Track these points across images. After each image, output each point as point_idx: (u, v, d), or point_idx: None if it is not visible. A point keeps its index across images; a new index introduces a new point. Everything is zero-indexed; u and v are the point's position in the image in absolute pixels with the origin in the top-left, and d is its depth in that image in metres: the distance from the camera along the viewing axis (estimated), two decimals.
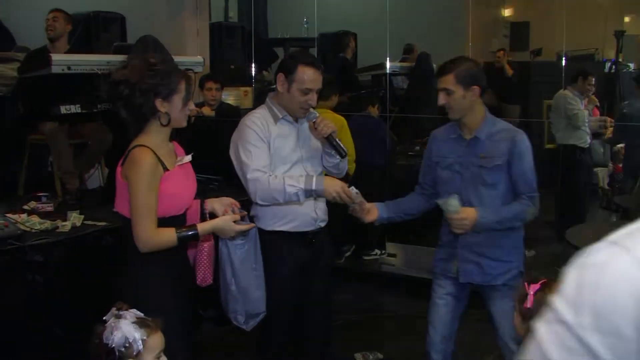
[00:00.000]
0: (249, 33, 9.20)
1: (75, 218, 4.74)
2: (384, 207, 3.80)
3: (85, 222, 4.77)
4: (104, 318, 2.45)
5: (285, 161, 3.69)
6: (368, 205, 3.67)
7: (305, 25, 11.11)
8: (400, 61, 9.97)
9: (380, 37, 8.14)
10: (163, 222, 3.08)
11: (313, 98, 3.64)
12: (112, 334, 2.38)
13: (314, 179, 3.49)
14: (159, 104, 3.06)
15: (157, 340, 2.47)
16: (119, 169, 3.12)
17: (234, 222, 3.24)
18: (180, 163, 3.21)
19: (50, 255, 4.33)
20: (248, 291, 3.42)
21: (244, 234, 3.34)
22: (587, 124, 7.65)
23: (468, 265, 3.70)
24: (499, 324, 3.71)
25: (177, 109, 3.11)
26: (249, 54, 8.98)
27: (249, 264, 3.41)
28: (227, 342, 5.33)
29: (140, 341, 2.38)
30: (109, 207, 5.20)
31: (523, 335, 2.55)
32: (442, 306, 3.84)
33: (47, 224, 4.63)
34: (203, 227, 3.17)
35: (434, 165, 3.78)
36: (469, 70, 3.59)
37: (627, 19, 10.84)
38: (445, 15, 11.24)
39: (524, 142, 3.61)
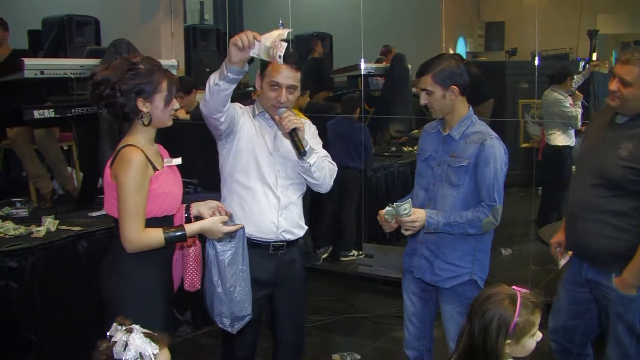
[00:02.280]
0: (224, 35, 9.18)
1: (50, 223, 4.72)
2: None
3: (60, 227, 4.74)
4: (108, 333, 2.40)
5: (255, 161, 3.61)
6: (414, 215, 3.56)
7: (281, 27, 11.09)
8: (376, 62, 10.00)
9: (355, 38, 8.15)
10: (156, 221, 3.08)
11: (281, 94, 3.52)
12: (124, 349, 2.33)
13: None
14: (141, 103, 3.05)
15: (166, 356, 2.43)
16: (108, 170, 3.09)
17: (222, 223, 3.23)
18: (168, 164, 3.20)
19: (25, 261, 4.31)
20: (234, 293, 3.38)
21: (231, 235, 3.32)
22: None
23: (422, 261, 3.72)
24: (444, 326, 3.75)
25: (159, 108, 3.09)
26: (224, 56, 8.95)
27: (236, 265, 3.36)
28: (202, 345, 5.33)
29: (152, 356, 2.33)
30: (84, 211, 5.24)
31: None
32: (410, 305, 3.88)
33: (22, 230, 4.61)
34: (191, 227, 3.14)
35: (417, 155, 3.84)
36: (446, 69, 3.54)
37: (600, 18, 10.93)
38: (419, 16, 11.31)
39: (493, 147, 3.52)
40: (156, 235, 3.05)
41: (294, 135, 3.46)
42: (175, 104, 3.18)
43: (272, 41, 3.18)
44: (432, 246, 3.67)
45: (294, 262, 3.79)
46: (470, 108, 3.70)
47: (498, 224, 3.58)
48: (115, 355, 2.31)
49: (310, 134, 3.78)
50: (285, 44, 3.16)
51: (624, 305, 3.40)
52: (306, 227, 3.84)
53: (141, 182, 3.00)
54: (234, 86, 3.34)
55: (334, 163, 3.80)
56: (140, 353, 2.29)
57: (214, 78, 3.32)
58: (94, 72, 3.12)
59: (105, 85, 3.02)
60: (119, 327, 2.36)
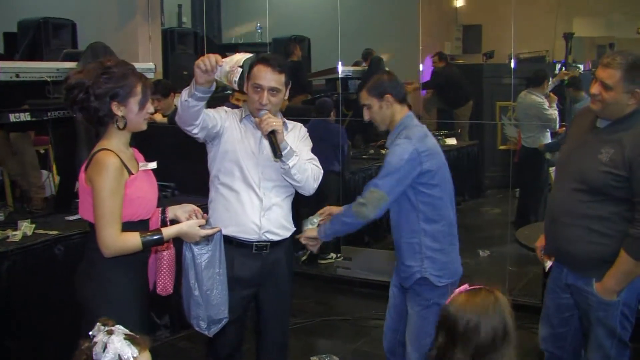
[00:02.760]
0: (202, 38, 9.16)
1: (26, 227, 4.69)
2: None
3: (36, 231, 4.71)
4: (90, 333, 2.39)
5: (240, 162, 3.66)
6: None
7: (259, 30, 11.12)
8: (354, 65, 10.01)
9: (333, 41, 8.16)
10: (132, 225, 3.07)
11: (263, 96, 3.55)
12: (103, 350, 2.33)
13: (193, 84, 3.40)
14: (115, 107, 3.02)
15: (146, 358, 2.43)
16: (82, 175, 3.08)
17: (199, 226, 3.24)
18: (144, 168, 3.19)
19: (1, 265, 4.27)
20: (210, 297, 3.38)
21: (208, 238, 3.33)
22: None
23: (397, 265, 3.92)
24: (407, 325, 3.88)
25: (134, 112, 3.08)
26: None
27: (212, 268, 3.37)
28: (180, 349, 5.31)
29: (131, 359, 2.34)
30: (61, 215, 5.21)
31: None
32: (392, 296, 4.03)
33: None
34: (168, 231, 3.14)
35: None
36: (377, 82, 3.77)
37: (575, 22, 11.01)
38: (397, 19, 11.33)
39: (397, 146, 3.67)
40: (133, 240, 3.04)
41: (272, 137, 3.51)
42: (150, 108, 3.17)
43: (231, 66, 3.30)
44: (396, 251, 3.87)
45: (279, 263, 3.82)
46: (407, 115, 3.80)
47: (373, 207, 3.63)
48: (94, 356, 2.30)
49: (299, 137, 3.87)
50: (240, 70, 3.27)
51: (605, 310, 3.41)
52: (293, 229, 3.89)
53: (116, 186, 2.98)
54: (202, 103, 3.43)
55: (320, 167, 3.84)
56: (119, 355, 2.29)
57: (184, 94, 3.39)
58: (68, 76, 3.11)
59: (80, 89, 3.00)
60: (102, 327, 2.35)
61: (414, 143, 3.63)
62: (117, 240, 3.00)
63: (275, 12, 9.60)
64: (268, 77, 3.57)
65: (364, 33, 11.19)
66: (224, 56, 3.37)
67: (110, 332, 2.32)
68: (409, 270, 3.75)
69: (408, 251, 3.75)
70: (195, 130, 3.54)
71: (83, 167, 3.09)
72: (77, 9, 8.33)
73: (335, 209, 3.89)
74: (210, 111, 3.63)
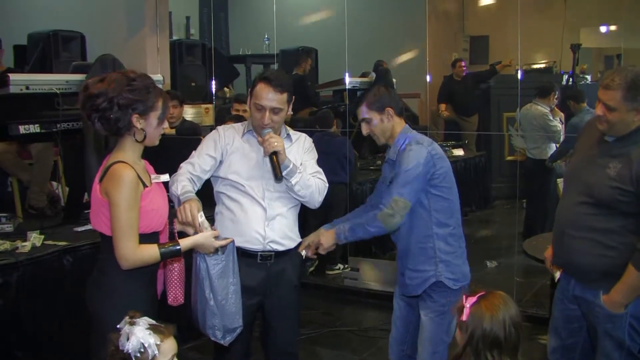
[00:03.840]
0: (210, 50, 9.21)
1: (35, 238, 4.71)
2: (342, 223, 3.91)
3: (45, 242, 4.73)
4: (118, 326, 2.49)
5: (243, 176, 3.70)
6: (313, 239, 3.84)
7: (266, 42, 11.16)
8: (361, 76, 10.04)
9: (340, 53, 8.19)
10: (145, 237, 3.08)
11: (265, 116, 3.61)
12: (127, 340, 2.42)
13: (181, 190, 3.51)
14: (136, 119, 3.04)
15: (171, 344, 2.52)
16: (97, 186, 3.08)
17: (214, 237, 3.28)
18: (156, 181, 3.21)
19: (10, 277, 4.29)
20: (226, 306, 3.40)
21: (221, 249, 3.36)
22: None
23: (399, 277, 3.91)
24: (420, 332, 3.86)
25: (153, 126, 3.10)
26: (209, 71, 8.99)
27: (226, 278, 3.39)
28: (189, 359, 5.32)
29: (154, 346, 2.42)
30: (70, 226, 5.24)
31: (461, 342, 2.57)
32: (397, 309, 4.02)
33: (7, 245, 4.59)
34: (184, 242, 3.18)
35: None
36: (377, 95, 3.79)
37: (583, 33, 11.02)
38: (404, 30, 11.36)
39: (410, 151, 3.67)
40: (152, 251, 3.06)
41: (273, 159, 3.59)
42: (166, 124, 3.21)
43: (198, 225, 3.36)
44: (401, 259, 3.85)
45: (284, 273, 3.84)
46: (405, 126, 3.85)
47: (400, 216, 3.65)
48: (120, 346, 2.43)
49: (303, 148, 3.92)
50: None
51: (612, 323, 3.39)
52: (299, 240, 3.90)
53: (134, 199, 3.00)
54: None
55: (325, 180, 3.87)
56: (142, 343, 2.37)
57: (173, 197, 3.55)
58: (87, 84, 3.11)
59: (103, 98, 3.00)
60: (127, 318, 2.49)
61: (426, 147, 3.67)
62: (135, 252, 3.02)
63: (283, 24, 9.63)
64: (270, 97, 3.61)
65: (371, 44, 11.22)
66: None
67: (132, 323, 2.43)
68: (422, 275, 3.74)
69: (421, 256, 3.75)
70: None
71: (97, 179, 3.11)
72: (86, 22, 8.39)
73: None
74: (203, 159, 3.72)
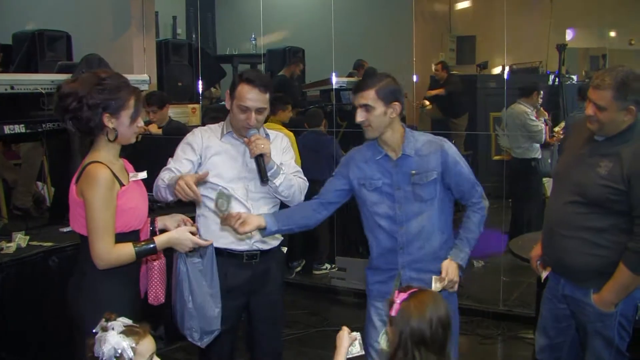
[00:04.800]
0: (196, 50, 9.18)
1: (20, 239, 4.68)
2: (272, 219, 3.56)
3: (30, 243, 4.70)
4: (94, 331, 2.47)
5: (226, 177, 3.71)
6: (244, 215, 3.45)
7: (253, 42, 11.15)
8: (348, 76, 10.04)
9: (327, 52, 8.19)
10: (124, 236, 3.08)
11: (251, 117, 3.61)
12: (101, 347, 2.39)
13: (169, 179, 3.52)
14: (107, 119, 3.03)
15: (148, 344, 2.50)
16: (73, 187, 3.08)
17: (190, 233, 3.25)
18: (134, 179, 3.19)
19: None
20: (204, 309, 3.40)
21: (200, 253, 3.35)
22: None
23: (412, 283, 3.41)
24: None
25: (125, 125, 3.09)
26: (196, 71, 8.97)
27: (206, 281, 3.39)
28: None
29: (129, 349, 2.40)
30: (56, 227, 5.21)
31: (391, 342, 2.57)
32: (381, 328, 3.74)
33: None
34: (160, 239, 3.16)
35: (358, 187, 3.63)
36: (389, 85, 3.48)
37: (569, 33, 11.06)
38: (391, 30, 11.36)
39: (452, 147, 3.57)
40: (127, 250, 3.05)
41: (259, 161, 3.59)
42: (141, 122, 3.19)
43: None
44: (418, 265, 3.56)
45: (270, 271, 3.86)
46: (406, 129, 3.63)
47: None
48: (95, 353, 2.42)
49: (281, 148, 3.89)
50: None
51: (602, 321, 3.42)
52: (281, 238, 3.91)
53: (109, 198, 2.99)
54: None
55: (305, 178, 3.86)
56: (114, 349, 2.37)
57: (161, 182, 3.60)
58: (61, 84, 3.11)
59: (73, 98, 3.00)
60: (102, 322, 2.46)
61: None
62: (111, 252, 3.01)
63: (270, 24, 9.62)
64: (254, 97, 3.62)
65: (358, 44, 11.24)
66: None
67: (105, 329, 2.40)
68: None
69: (439, 259, 3.54)
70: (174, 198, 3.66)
71: (74, 180, 3.10)
72: (71, 21, 8.34)
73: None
74: (181, 164, 3.71)
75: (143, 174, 3.26)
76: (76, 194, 3.06)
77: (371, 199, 3.59)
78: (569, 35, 10.90)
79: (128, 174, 3.20)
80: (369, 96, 3.43)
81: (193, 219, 3.62)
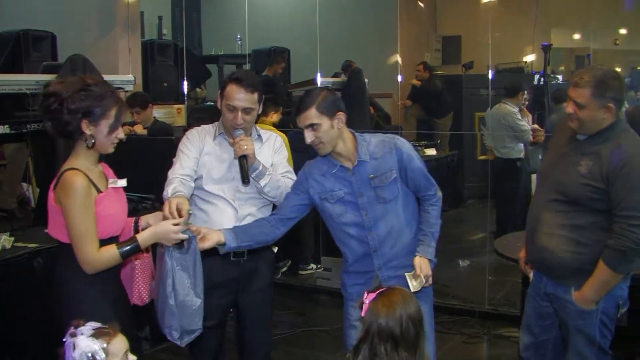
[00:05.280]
0: (182, 50, 9.17)
1: (5, 240, 4.66)
2: (232, 235, 3.52)
3: (15, 244, 4.68)
4: (63, 339, 2.45)
5: (215, 178, 3.74)
6: (204, 230, 3.44)
7: (239, 42, 11.14)
8: (333, 76, 10.05)
9: (312, 52, 8.20)
10: (102, 243, 3.07)
11: (237, 117, 3.63)
12: (71, 353, 2.39)
13: (172, 191, 3.53)
14: (85, 125, 3.02)
15: (119, 343, 2.48)
16: (51, 194, 3.07)
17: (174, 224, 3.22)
18: (113, 186, 3.19)
19: None
20: (185, 307, 3.38)
21: (185, 246, 3.34)
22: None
23: (391, 282, 3.53)
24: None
25: (103, 134, 3.07)
26: (181, 71, 8.96)
27: (189, 279, 3.38)
28: None
29: (101, 351, 2.38)
30: (41, 228, 5.19)
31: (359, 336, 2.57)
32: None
33: None
34: (142, 236, 3.15)
35: (320, 201, 3.63)
36: (327, 98, 3.45)
37: (554, 33, 11.11)
38: (376, 30, 11.37)
39: (405, 144, 3.60)
40: (112, 252, 3.06)
41: (242, 162, 3.60)
42: (121, 134, 3.17)
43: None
44: (395, 262, 3.59)
45: (258, 271, 3.87)
46: (357, 132, 3.63)
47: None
48: (66, 359, 2.39)
49: (274, 148, 3.91)
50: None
51: (583, 319, 3.45)
52: None
53: (87, 205, 2.99)
54: None
55: (294, 179, 3.85)
56: (85, 353, 2.36)
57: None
58: (49, 83, 3.12)
59: (55, 99, 3.00)
60: (70, 330, 2.44)
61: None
62: (96, 257, 3.01)
63: (255, 24, 9.60)
64: (241, 97, 3.63)
65: (343, 44, 11.24)
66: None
67: (74, 335, 2.39)
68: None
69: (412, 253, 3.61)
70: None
71: (51, 186, 3.08)
72: (57, 21, 8.31)
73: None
74: (190, 162, 3.72)
75: (122, 182, 3.25)
76: (54, 201, 3.05)
77: (336, 211, 3.60)
78: (554, 35, 10.96)
79: (107, 180, 3.19)
80: (311, 115, 3.41)
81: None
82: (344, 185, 3.55)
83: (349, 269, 3.70)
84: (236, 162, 3.71)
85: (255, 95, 3.67)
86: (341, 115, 3.46)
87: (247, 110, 3.66)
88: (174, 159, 3.77)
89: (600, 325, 3.45)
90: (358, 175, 3.53)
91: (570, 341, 3.55)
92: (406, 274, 3.45)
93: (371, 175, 3.52)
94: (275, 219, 3.68)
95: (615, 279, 3.36)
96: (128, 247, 3.09)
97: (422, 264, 3.51)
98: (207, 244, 3.39)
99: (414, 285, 3.42)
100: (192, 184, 3.69)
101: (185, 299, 3.36)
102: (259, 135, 3.87)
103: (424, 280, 3.47)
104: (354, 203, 3.54)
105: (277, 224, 3.67)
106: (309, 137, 3.45)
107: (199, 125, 3.97)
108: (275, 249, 4.02)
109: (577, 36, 11.54)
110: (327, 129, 3.42)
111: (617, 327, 3.56)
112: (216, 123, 3.88)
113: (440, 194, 3.69)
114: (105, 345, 2.41)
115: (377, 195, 3.53)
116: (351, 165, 3.54)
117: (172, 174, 3.68)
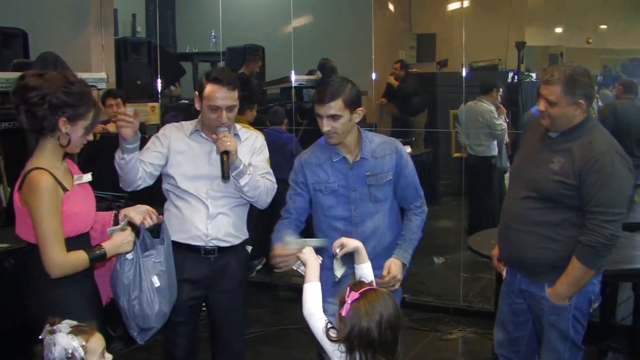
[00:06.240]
0: (155, 48, 9.12)
1: None
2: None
3: None
4: (40, 337, 2.43)
5: (189, 175, 3.76)
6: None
7: (213, 40, 11.11)
8: (307, 74, 10.04)
9: (287, 50, 8.19)
10: (71, 241, 3.04)
11: (222, 116, 3.63)
12: (51, 350, 2.37)
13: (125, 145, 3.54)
14: (62, 123, 2.99)
15: (97, 341, 2.49)
16: (16, 195, 3.03)
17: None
18: (79, 182, 3.16)
19: None
20: (135, 308, 3.35)
21: (154, 246, 3.38)
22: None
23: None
24: None
25: (78, 134, 3.06)
26: (155, 69, 8.91)
27: (139, 282, 3.33)
28: None
29: (80, 348, 2.38)
30: (12, 228, 5.13)
31: (338, 336, 2.57)
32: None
33: None
34: (108, 245, 3.15)
35: (313, 191, 3.69)
36: (353, 92, 3.51)
37: (527, 31, 11.17)
38: (350, 27, 11.37)
39: (405, 150, 3.69)
40: (81, 257, 3.05)
41: (223, 158, 3.60)
42: (90, 136, 3.17)
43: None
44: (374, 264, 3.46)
45: (229, 267, 3.88)
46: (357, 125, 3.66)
47: None
48: (45, 357, 2.40)
49: (253, 148, 3.92)
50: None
51: (557, 315, 3.49)
52: (244, 237, 3.95)
53: (54, 206, 2.96)
54: (136, 152, 3.58)
55: (274, 180, 3.89)
56: (65, 350, 2.36)
57: (117, 156, 3.56)
58: (25, 74, 3.06)
59: (36, 93, 2.95)
60: (47, 327, 2.44)
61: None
62: (65, 259, 2.99)
63: (230, 22, 9.58)
64: (224, 96, 3.64)
65: (317, 42, 11.22)
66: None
67: (52, 332, 2.38)
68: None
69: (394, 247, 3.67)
70: (141, 183, 3.72)
71: (16, 187, 3.05)
72: (28, 19, 8.22)
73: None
74: (151, 155, 3.74)
75: (88, 176, 3.23)
76: (20, 202, 3.01)
77: (327, 203, 3.65)
78: (528, 33, 11.02)
79: (72, 177, 3.16)
80: (337, 106, 3.45)
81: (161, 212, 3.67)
82: (339, 177, 3.61)
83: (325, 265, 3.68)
84: (211, 160, 3.73)
85: (236, 92, 3.69)
86: (360, 111, 3.54)
87: (230, 108, 3.67)
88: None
89: (573, 320, 3.49)
90: (355, 170, 3.60)
91: (544, 337, 3.58)
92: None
93: (367, 173, 3.58)
94: (287, 220, 3.73)
95: (588, 275, 3.39)
96: (96, 255, 3.09)
97: (394, 266, 3.56)
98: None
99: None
100: (150, 182, 3.77)
101: (137, 300, 3.33)
102: (237, 134, 3.87)
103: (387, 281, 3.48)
104: (346, 197, 3.60)
105: (294, 222, 3.73)
106: (326, 125, 3.48)
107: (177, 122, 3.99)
108: (250, 248, 4.01)
109: (550, 34, 11.60)
110: (346, 122, 3.49)
111: (590, 322, 3.59)
112: (194, 121, 3.89)
113: (426, 208, 3.75)
114: (84, 343, 2.41)
115: (369, 193, 3.59)
116: (352, 159, 3.60)
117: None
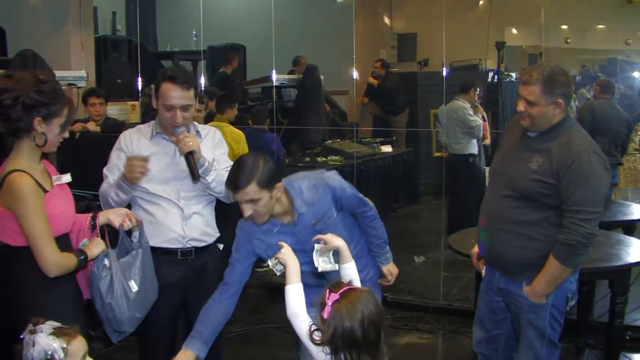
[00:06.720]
0: (136, 46, 9.09)
1: None
2: (200, 344, 3.28)
3: None
4: (21, 337, 2.41)
5: (156, 179, 3.68)
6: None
7: (194, 38, 11.09)
8: (288, 73, 10.05)
9: (268, 49, 8.19)
10: (56, 241, 3.03)
11: (176, 115, 3.56)
12: (29, 350, 2.35)
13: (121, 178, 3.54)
14: (37, 122, 2.96)
15: (79, 345, 2.45)
16: None
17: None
18: (58, 183, 3.14)
19: None
20: (109, 312, 3.33)
21: (132, 250, 3.37)
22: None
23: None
24: None
25: (54, 133, 3.04)
26: (136, 67, 8.88)
27: (112, 287, 3.31)
28: None
29: (60, 350, 2.35)
30: None
31: (322, 339, 2.56)
32: None
33: None
34: (91, 251, 3.18)
35: (267, 257, 3.43)
36: (266, 169, 3.16)
37: (507, 31, 11.25)
38: (332, 27, 11.40)
39: (334, 177, 3.50)
40: (72, 259, 3.06)
41: (189, 159, 3.58)
42: (66, 133, 3.14)
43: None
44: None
45: (206, 267, 3.86)
46: (288, 184, 3.42)
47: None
48: (24, 357, 2.37)
49: (213, 143, 3.88)
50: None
51: (534, 312, 3.51)
52: (217, 234, 3.92)
53: (40, 205, 2.95)
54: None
55: None
56: (44, 350, 2.34)
57: (113, 195, 3.61)
58: None
59: (8, 95, 2.92)
60: (29, 327, 2.41)
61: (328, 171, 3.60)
62: (60, 257, 3.00)
63: (211, 20, 9.57)
64: (178, 95, 3.57)
65: (298, 41, 11.25)
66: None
67: (33, 332, 2.36)
68: (366, 270, 3.65)
69: (363, 253, 3.68)
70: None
71: None
72: (7, 16, 8.18)
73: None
74: (116, 174, 3.67)
75: (67, 177, 3.21)
76: (0, 205, 2.99)
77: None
78: (507, 33, 11.09)
79: (51, 178, 3.15)
80: (253, 190, 3.14)
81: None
82: (287, 238, 3.30)
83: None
84: (176, 161, 3.69)
85: (192, 92, 3.62)
86: (279, 187, 3.26)
87: (185, 108, 3.59)
88: (105, 168, 3.73)
89: (550, 318, 3.51)
90: (300, 226, 3.39)
91: (522, 335, 3.60)
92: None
93: (313, 222, 3.40)
94: (226, 294, 3.48)
95: (565, 273, 3.42)
96: (81, 259, 3.11)
97: (391, 269, 3.75)
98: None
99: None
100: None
101: (110, 304, 3.32)
102: (198, 132, 3.83)
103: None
104: (302, 251, 3.26)
105: (231, 298, 3.49)
106: (247, 210, 3.20)
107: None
108: (221, 246, 3.99)
109: (530, 35, 11.68)
110: (266, 201, 3.20)
111: (567, 319, 3.62)
112: (152, 122, 3.82)
113: (374, 209, 3.68)
114: (64, 345, 2.38)
115: (324, 233, 3.30)
116: (291, 219, 3.40)
117: (104, 186, 3.70)
